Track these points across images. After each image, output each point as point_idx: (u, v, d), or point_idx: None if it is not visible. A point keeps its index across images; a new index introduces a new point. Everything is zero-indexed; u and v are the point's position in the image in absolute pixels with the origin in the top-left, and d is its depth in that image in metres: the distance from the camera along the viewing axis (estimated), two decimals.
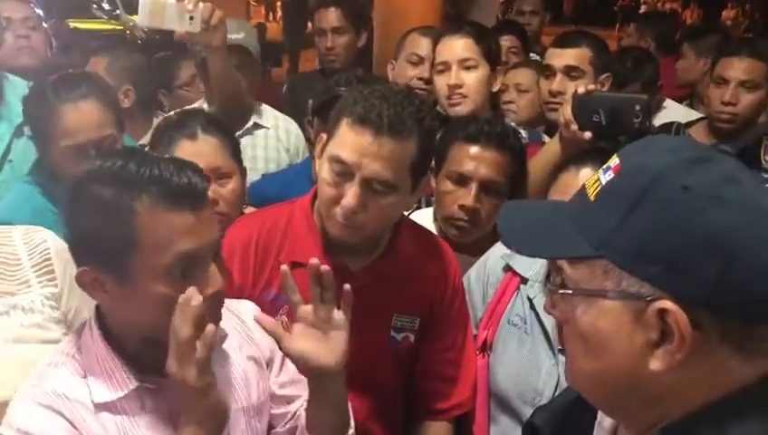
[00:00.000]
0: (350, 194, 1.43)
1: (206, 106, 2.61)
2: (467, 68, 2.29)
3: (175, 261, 1.07)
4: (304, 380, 1.33)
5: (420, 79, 2.57)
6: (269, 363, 1.38)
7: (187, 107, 2.54)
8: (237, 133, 2.60)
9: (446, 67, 2.31)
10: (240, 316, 1.37)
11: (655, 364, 0.75)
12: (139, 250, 1.06)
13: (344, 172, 1.43)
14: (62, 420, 1.11)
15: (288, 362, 1.34)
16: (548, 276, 1.32)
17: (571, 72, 2.38)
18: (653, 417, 0.79)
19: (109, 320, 1.17)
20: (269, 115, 2.75)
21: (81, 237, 1.11)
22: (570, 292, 0.81)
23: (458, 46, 2.31)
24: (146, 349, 1.16)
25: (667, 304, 0.73)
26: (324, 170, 1.48)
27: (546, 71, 2.45)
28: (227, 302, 1.34)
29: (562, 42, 2.48)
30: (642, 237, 0.74)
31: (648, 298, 0.74)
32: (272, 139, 2.75)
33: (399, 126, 1.41)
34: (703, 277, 0.72)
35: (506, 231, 0.89)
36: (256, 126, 2.68)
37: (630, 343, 0.76)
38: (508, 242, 0.89)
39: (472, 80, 2.29)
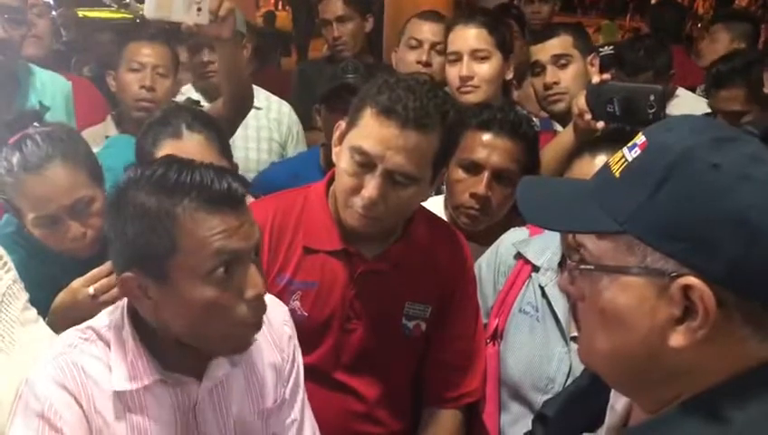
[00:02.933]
0: (371, 186, 1.41)
1: (193, 93, 2.65)
2: (480, 59, 2.28)
3: (216, 262, 1.08)
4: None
5: (419, 62, 2.56)
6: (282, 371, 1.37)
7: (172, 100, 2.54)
8: None
9: (458, 57, 2.30)
10: (269, 318, 1.35)
11: (676, 340, 0.75)
12: (180, 254, 1.07)
13: (366, 163, 1.42)
14: (71, 401, 1.13)
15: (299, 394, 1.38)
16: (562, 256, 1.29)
17: (560, 60, 2.39)
18: (670, 393, 0.79)
19: (143, 320, 1.18)
20: (261, 96, 2.77)
21: (124, 244, 1.11)
22: (591, 267, 0.81)
23: (471, 36, 2.30)
24: (174, 349, 1.18)
25: (693, 280, 0.73)
26: (344, 160, 1.46)
27: (535, 68, 2.45)
28: None
29: (540, 36, 2.50)
30: (670, 213, 0.74)
31: (673, 274, 0.74)
32: (263, 119, 2.80)
33: (424, 119, 1.39)
34: (728, 255, 0.72)
35: (526, 205, 0.88)
36: None
37: (652, 318, 0.77)
38: (529, 216, 0.88)
39: (484, 71, 2.28)
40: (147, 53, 2.48)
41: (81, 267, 1.57)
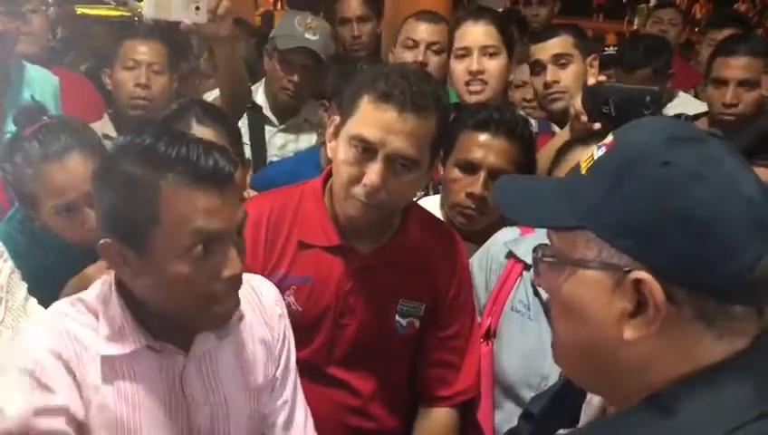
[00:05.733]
0: (373, 171, 1.42)
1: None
2: (490, 55, 2.30)
3: (195, 240, 1.09)
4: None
5: (415, 62, 2.55)
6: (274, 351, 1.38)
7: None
8: (283, 127, 2.69)
9: (467, 52, 2.31)
10: (260, 296, 1.38)
11: (629, 334, 0.78)
12: (160, 227, 1.08)
13: (367, 150, 1.43)
14: (64, 369, 1.14)
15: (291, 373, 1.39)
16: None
17: (560, 60, 2.41)
18: (631, 389, 0.81)
19: (131, 291, 1.19)
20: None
21: (107, 210, 1.13)
22: (553, 259, 0.85)
23: (481, 32, 2.32)
24: (160, 320, 1.19)
25: (643, 274, 0.76)
26: (342, 151, 1.47)
27: (536, 67, 2.47)
28: (250, 277, 1.36)
29: (541, 36, 2.52)
30: (623, 210, 0.77)
31: (626, 269, 0.77)
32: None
33: (422, 102, 1.41)
34: (677, 252, 0.74)
35: (502, 200, 0.92)
36: (307, 122, 2.71)
37: (607, 312, 0.79)
38: (504, 210, 0.92)
39: (494, 67, 2.30)
40: (142, 51, 2.47)
41: (80, 256, 1.58)
